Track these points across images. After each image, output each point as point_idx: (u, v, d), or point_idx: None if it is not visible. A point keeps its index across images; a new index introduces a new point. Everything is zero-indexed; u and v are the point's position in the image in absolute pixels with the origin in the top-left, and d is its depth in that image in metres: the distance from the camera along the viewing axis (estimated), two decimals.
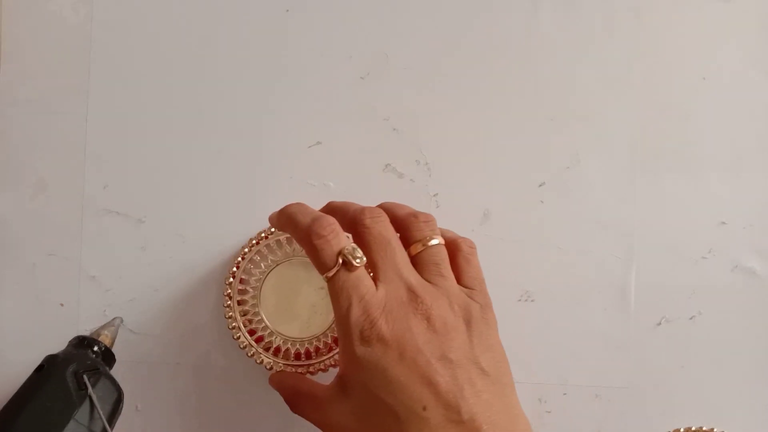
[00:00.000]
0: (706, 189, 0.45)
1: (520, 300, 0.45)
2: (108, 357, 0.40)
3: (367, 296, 0.35)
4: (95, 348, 0.40)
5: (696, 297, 0.45)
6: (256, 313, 0.43)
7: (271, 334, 0.43)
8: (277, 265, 0.43)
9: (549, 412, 0.44)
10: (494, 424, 0.33)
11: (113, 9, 0.45)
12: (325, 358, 0.42)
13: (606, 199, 0.45)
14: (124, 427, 0.40)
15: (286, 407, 0.39)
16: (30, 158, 0.45)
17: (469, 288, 0.37)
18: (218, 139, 0.45)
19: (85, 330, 0.43)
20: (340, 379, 0.36)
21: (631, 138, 0.45)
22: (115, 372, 0.39)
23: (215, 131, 0.45)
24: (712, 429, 0.42)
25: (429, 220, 0.38)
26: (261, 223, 0.43)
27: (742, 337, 0.44)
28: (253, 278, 0.43)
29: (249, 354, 0.42)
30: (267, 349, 0.42)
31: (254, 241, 0.43)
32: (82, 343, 0.40)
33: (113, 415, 0.38)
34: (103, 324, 0.42)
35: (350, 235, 0.37)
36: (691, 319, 0.45)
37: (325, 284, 0.36)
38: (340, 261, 0.35)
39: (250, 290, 0.43)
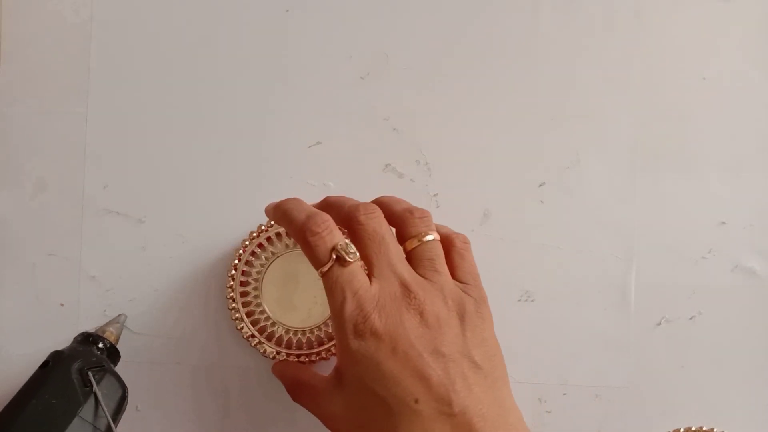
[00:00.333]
0: (706, 189, 0.45)
1: (520, 300, 0.45)
2: (113, 354, 0.40)
3: (360, 291, 0.35)
4: (100, 345, 0.40)
5: (696, 297, 0.45)
6: (258, 304, 0.43)
7: (273, 324, 0.43)
8: (278, 256, 0.44)
9: (549, 412, 0.44)
10: (485, 417, 0.34)
11: (113, 9, 0.45)
12: (326, 346, 0.43)
13: (606, 199, 0.45)
14: (124, 427, 0.40)
15: (288, 405, 0.39)
16: (30, 158, 0.45)
17: (464, 283, 0.37)
18: (218, 139, 0.45)
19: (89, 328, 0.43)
20: (337, 372, 0.37)
21: (631, 138, 0.45)
22: (117, 371, 0.39)
23: (215, 131, 0.45)
24: (712, 429, 0.42)
25: (424, 216, 0.38)
26: (261, 222, 0.43)
27: (742, 337, 0.44)
28: (255, 270, 0.43)
29: (252, 344, 0.43)
30: (269, 339, 0.43)
31: (255, 234, 0.43)
32: (87, 339, 0.40)
33: (118, 413, 0.38)
34: (108, 320, 0.42)
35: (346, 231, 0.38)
36: (691, 319, 0.45)
37: None
38: (334, 256, 0.35)
39: (252, 282, 0.43)
